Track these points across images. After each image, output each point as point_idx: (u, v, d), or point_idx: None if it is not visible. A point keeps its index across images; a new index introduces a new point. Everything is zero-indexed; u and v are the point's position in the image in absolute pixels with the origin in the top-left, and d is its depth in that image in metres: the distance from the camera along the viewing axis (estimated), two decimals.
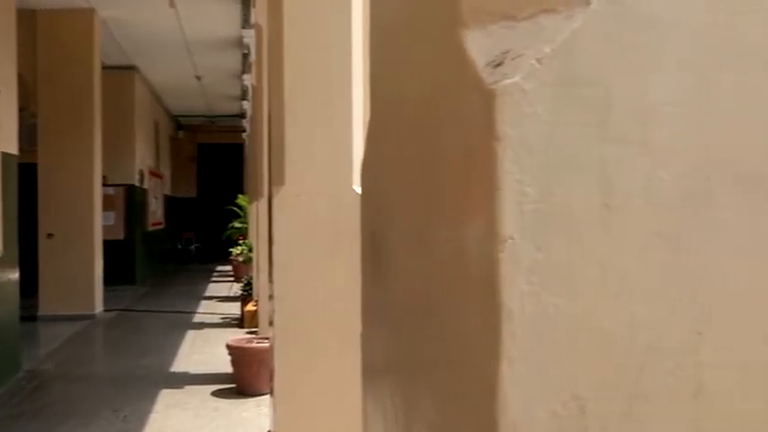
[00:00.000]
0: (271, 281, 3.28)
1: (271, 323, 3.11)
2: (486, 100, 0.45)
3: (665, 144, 0.46)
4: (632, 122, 0.45)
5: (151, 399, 5.15)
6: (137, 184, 12.49)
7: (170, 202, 16.97)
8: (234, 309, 8.92)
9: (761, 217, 0.47)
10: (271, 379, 3.08)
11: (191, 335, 7.70)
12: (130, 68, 11.77)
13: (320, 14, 2.71)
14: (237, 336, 6.33)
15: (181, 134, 18.27)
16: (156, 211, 14.69)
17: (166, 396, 5.25)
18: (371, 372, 0.84)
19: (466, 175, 0.49)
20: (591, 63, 0.45)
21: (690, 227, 0.46)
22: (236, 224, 12.32)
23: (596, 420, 0.46)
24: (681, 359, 0.46)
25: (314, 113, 2.77)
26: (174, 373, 6.06)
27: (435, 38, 0.56)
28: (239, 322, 8.05)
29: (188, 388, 5.49)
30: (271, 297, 3.20)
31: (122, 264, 11.69)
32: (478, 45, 0.48)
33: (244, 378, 5.28)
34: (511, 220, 0.44)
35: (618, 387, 0.45)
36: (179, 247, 17.80)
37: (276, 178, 2.94)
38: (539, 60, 0.44)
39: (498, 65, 0.46)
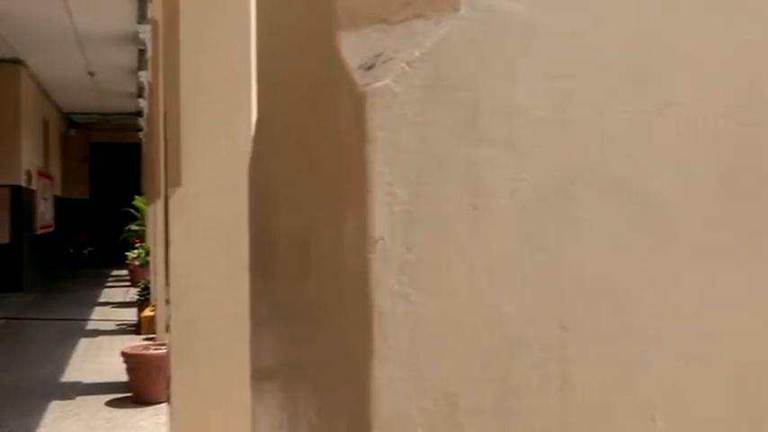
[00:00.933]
0: (167, 284, 3.17)
1: (168, 328, 3.01)
2: (358, 102, 0.46)
3: (530, 147, 0.48)
4: (499, 125, 0.47)
5: (39, 412, 4.88)
6: (23, 184, 11.79)
7: (61, 204, 16.12)
8: (130, 314, 8.58)
9: (619, 218, 0.50)
10: (168, 386, 2.98)
11: (83, 343, 7.34)
12: (15, 62, 11.09)
13: (217, 10, 2.64)
14: (134, 342, 6.10)
15: (73, 132, 17.40)
16: (45, 214, 13.92)
17: (56, 408, 4.98)
18: (259, 375, 0.83)
19: (341, 176, 0.50)
20: (459, 67, 0.46)
21: (554, 227, 0.48)
22: (133, 227, 11.86)
23: (468, 415, 0.47)
24: (547, 354, 0.48)
25: (211, 112, 2.70)
26: (64, 383, 5.76)
27: (314, 39, 0.56)
28: (136, 328, 7.75)
29: (80, 399, 5.23)
30: (168, 301, 3.10)
31: (8, 269, 11.03)
32: (352, 47, 0.48)
33: (140, 386, 5.09)
34: (381, 221, 0.44)
35: (487, 382, 0.47)
36: (71, 251, 16.92)
37: (172, 179, 2.84)
38: (409, 63, 0.45)
39: (370, 67, 0.46)
